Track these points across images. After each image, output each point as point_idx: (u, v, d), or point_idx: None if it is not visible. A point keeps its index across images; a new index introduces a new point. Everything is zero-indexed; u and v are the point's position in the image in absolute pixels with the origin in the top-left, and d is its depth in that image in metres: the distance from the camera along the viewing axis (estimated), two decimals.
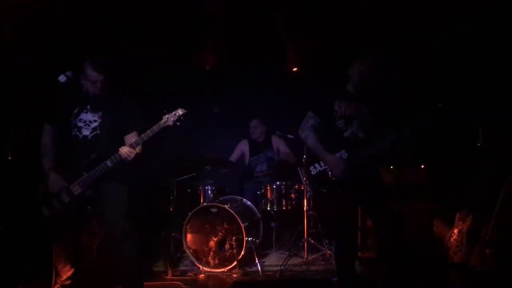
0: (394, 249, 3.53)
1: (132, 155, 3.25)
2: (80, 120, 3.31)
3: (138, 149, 3.32)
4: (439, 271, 4.20)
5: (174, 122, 3.28)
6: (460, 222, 4.18)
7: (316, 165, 3.52)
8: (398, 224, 3.92)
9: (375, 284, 3.80)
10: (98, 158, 3.22)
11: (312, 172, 3.55)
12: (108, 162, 3.21)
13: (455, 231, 4.19)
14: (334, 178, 3.44)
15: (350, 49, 4.97)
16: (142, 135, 3.27)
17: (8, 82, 4.20)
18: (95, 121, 3.32)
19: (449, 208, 4.40)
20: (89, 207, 3.34)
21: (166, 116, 3.28)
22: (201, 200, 4.86)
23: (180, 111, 3.30)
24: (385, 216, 3.49)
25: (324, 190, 3.60)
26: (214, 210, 4.54)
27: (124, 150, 3.22)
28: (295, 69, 5.94)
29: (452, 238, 4.20)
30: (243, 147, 5.68)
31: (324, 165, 3.51)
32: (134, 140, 3.27)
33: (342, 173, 3.35)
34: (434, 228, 4.50)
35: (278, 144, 5.57)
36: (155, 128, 3.27)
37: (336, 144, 3.45)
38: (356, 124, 3.42)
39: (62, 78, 3.21)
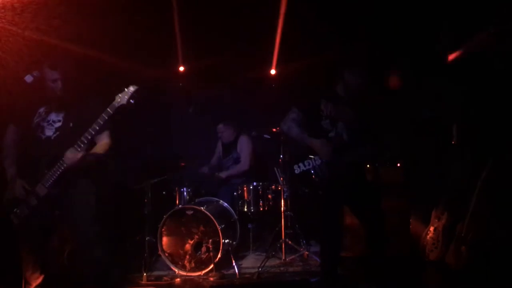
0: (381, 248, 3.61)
1: (76, 159, 3.08)
2: (43, 119, 3.21)
3: (99, 149, 3.22)
4: (415, 269, 4.21)
5: (128, 100, 3.15)
6: (436, 220, 4.20)
7: (300, 164, 3.52)
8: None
9: (356, 284, 3.80)
10: (58, 156, 3.10)
11: (296, 171, 3.54)
12: (64, 160, 3.09)
13: (431, 228, 4.21)
14: (316, 179, 3.47)
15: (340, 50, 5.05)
16: (94, 123, 3.10)
17: None
18: (59, 121, 3.22)
19: (425, 206, 4.43)
20: (57, 212, 3.22)
21: (119, 95, 3.16)
22: (177, 202, 4.77)
23: (132, 88, 3.19)
24: (375, 214, 3.55)
25: (307, 190, 3.73)
26: (190, 212, 4.45)
27: (68, 155, 3.07)
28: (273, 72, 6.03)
29: (428, 236, 4.21)
30: (218, 148, 5.64)
31: (308, 165, 3.51)
32: (83, 136, 3.11)
33: (330, 155, 3.37)
34: (410, 226, 4.52)
35: (242, 144, 5.42)
36: (109, 109, 3.12)
37: None
38: (341, 126, 3.45)
39: (28, 78, 3.13)
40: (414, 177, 4.67)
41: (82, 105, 3.29)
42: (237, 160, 5.42)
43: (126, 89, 3.17)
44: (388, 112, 3.86)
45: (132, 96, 3.17)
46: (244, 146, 5.39)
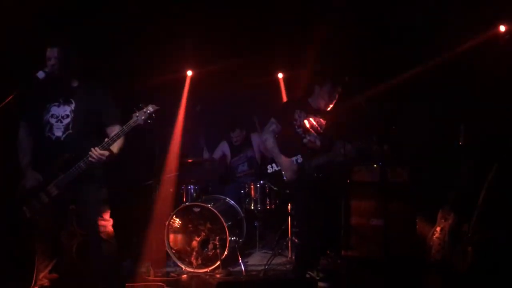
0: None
1: (104, 157, 3.11)
2: (52, 116, 3.20)
3: (115, 148, 3.21)
4: (421, 269, 4.22)
5: (145, 120, 3.10)
6: (443, 220, 4.20)
7: (273, 164, 3.88)
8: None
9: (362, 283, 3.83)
10: (72, 158, 3.11)
11: (268, 171, 3.96)
12: (81, 163, 3.11)
13: (438, 229, 4.22)
14: (285, 179, 3.79)
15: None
16: (112, 136, 3.13)
17: None
18: (67, 116, 3.21)
19: (432, 207, 4.43)
20: (72, 206, 3.26)
21: (136, 114, 3.10)
22: (184, 200, 4.80)
23: (151, 108, 3.12)
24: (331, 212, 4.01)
25: (275, 188, 4.13)
26: (197, 209, 4.49)
27: (95, 153, 3.07)
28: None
29: (434, 236, 4.22)
30: (224, 148, 5.67)
31: (278, 166, 3.87)
32: (105, 140, 3.13)
33: (291, 175, 3.69)
34: (417, 227, 4.52)
35: (258, 141, 5.52)
36: (125, 128, 3.10)
37: (295, 149, 3.78)
38: (313, 134, 3.79)
39: (40, 75, 3.12)
40: (420, 177, 4.67)
41: (89, 95, 3.28)
42: (251, 158, 5.47)
43: (144, 109, 3.11)
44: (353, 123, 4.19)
45: (150, 116, 3.11)
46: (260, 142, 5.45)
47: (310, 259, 3.87)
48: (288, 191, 3.95)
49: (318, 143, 3.78)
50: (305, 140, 3.75)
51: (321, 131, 3.83)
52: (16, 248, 3.75)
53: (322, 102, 3.83)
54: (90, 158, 3.07)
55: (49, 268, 3.41)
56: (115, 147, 3.21)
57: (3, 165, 3.78)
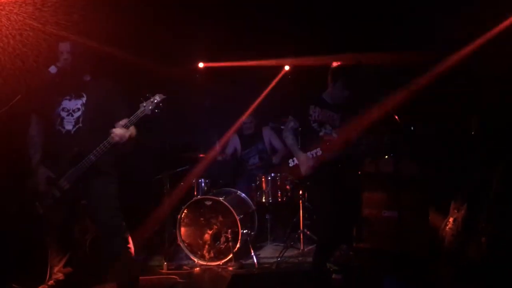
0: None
1: (127, 136, 3.10)
2: (63, 109, 3.22)
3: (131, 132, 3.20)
4: (434, 260, 4.20)
5: (152, 110, 3.09)
6: (455, 211, 4.18)
7: (294, 158, 3.92)
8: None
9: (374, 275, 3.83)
10: (82, 152, 3.12)
11: (290, 165, 3.95)
12: (91, 156, 3.12)
13: (450, 220, 4.19)
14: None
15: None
16: (125, 122, 3.11)
17: None
18: (78, 109, 3.22)
19: (444, 198, 4.40)
20: (83, 201, 3.27)
21: (144, 104, 3.10)
22: (195, 193, 4.81)
23: (158, 97, 3.10)
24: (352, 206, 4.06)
25: (297, 181, 4.32)
26: (208, 203, 4.50)
27: (118, 132, 3.05)
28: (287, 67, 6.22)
29: (447, 227, 4.19)
30: (235, 142, 5.67)
31: None
32: (124, 122, 3.11)
33: (306, 170, 3.75)
34: (429, 217, 4.50)
35: (270, 136, 5.55)
36: (133, 118, 3.10)
37: (313, 143, 3.81)
38: (329, 127, 3.86)
39: (53, 69, 3.14)
40: (433, 168, 4.64)
41: (100, 90, 3.28)
42: (262, 151, 5.46)
43: (152, 98, 3.10)
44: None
45: (157, 106, 3.10)
46: (272, 136, 5.54)
47: (329, 253, 3.92)
48: (308, 183, 4.09)
49: (334, 135, 3.86)
50: (321, 133, 3.84)
51: (337, 125, 3.89)
52: (30, 243, 3.77)
53: (336, 98, 3.90)
54: (112, 136, 3.06)
55: (63, 262, 3.44)
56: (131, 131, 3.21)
57: (15, 161, 3.80)
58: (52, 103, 3.26)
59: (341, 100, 3.89)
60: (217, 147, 5.48)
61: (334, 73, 3.86)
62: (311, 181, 3.94)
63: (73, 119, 3.21)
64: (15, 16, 3.59)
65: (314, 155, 3.79)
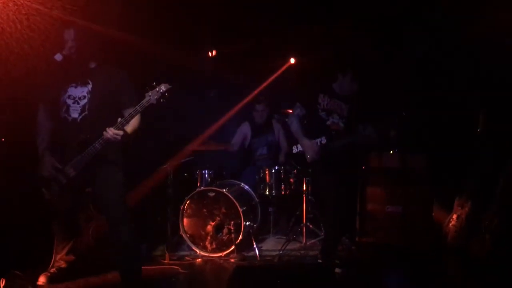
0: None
1: (119, 137, 3.07)
2: (69, 96, 3.20)
3: (129, 129, 3.17)
4: (437, 256, 4.20)
5: (158, 99, 3.06)
6: (459, 208, 4.17)
7: (298, 145, 4.02)
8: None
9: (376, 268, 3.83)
10: (88, 140, 3.11)
11: (293, 151, 4.10)
12: (96, 144, 3.10)
13: (454, 216, 4.18)
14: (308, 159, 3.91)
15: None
16: (126, 116, 3.10)
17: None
18: (84, 97, 3.20)
19: (448, 194, 4.39)
20: (88, 189, 3.27)
21: (149, 93, 3.07)
22: (198, 184, 4.79)
23: (163, 87, 3.07)
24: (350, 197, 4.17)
25: (299, 168, 4.36)
26: (211, 194, 4.49)
27: (110, 133, 3.04)
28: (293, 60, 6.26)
29: (450, 224, 4.19)
30: (245, 129, 5.57)
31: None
32: (119, 120, 3.09)
33: (312, 155, 3.82)
34: (433, 213, 4.49)
35: (279, 130, 5.50)
36: (139, 108, 3.07)
37: (319, 131, 3.91)
38: (337, 116, 3.94)
39: (58, 57, 3.13)
40: (438, 163, 4.62)
41: (105, 77, 3.26)
42: (271, 142, 5.43)
43: (157, 88, 3.07)
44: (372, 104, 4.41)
45: (163, 96, 3.07)
46: (280, 132, 5.49)
47: (336, 245, 3.98)
48: (310, 170, 4.16)
49: (341, 125, 3.93)
50: (328, 122, 3.90)
51: (345, 114, 3.96)
52: (34, 229, 3.77)
53: (345, 89, 3.96)
54: (104, 138, 3.05)
55: (66, 250, 3.46)
56: (129, 128, 3.17)
57: (21, 147, 3.80)
58: (58, 90, 3.24)
59: (349, 92, 3.95)
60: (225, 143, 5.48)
61: (343, 65, 3.92)
62: (314, 168, 3.99)
63: (79, 106, 3.19)
64: (21, 1, 3.56)
65: (319, 143, 3.85)
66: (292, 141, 4.21)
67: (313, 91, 4.01)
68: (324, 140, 3.86)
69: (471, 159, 4.39)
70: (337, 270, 3.70)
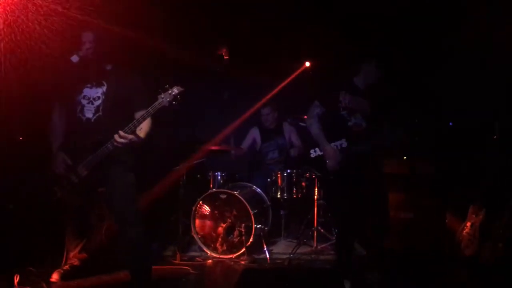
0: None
1: (128, 141, 3.08)
2: (84, 97, 3.24)
3: (142, 133, 3.21)
4: (450, 264, 4.15)
5: (170, 102, 3.07)
6: (473, 216, 4.12)
7: (317, 149, 3.67)
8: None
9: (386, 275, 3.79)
10: (101, 140, 3.14)
11: (312, 155, 3.72)
12: (109, 145, 3.13)
13: (468, 224, 4.14)
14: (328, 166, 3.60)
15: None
16: (138, 118, 3.11)
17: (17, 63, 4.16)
18: (99, 98, 3.24)
19: (462, 201, 4.34)
20: (101, 189, 3.30)
21: (162, 96, 3.08)
22: (211, 186, 4.82)
23: (176, 90, 3.08)
24: (376, 204, 3.61)
25: (319, 174, 3.98)
26: (223, 196, 4.50)
27: (119, 139, 3.05)
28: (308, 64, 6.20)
29: (464, 231, 4.14)
30: (254, 134, 5.59)
31: (321, 151, 3.66)
32: (128, 125, 3.11)
33: (334, 164, 3.51)
34: (447, 221, 4.44)
35: (290, 132, 5.48)
36: (151, 110, 3.09)
37: (340, 132, 3.59)
38: (359, 116, 3.58)
39: (74, 59, 3.18)
40: (452, 171, 4.58)
41: (120, 79, 3.30)
42: (282, 146, 5.42)
43: (170, 90, 3.08)
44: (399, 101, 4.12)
45: (175, 98, 3.08)
46: (292, 133, 5.46)
47: (350, 243, 3.73)
48: (332, 177, 3.68)
49: (364, 125, 3.57)
50: (350, 123, 3.57)
51: (367, 113, 3.59)
52: (47, 227, 3.83)
53: (371, 76, 3.61)
54: (114, 142, 3.07)
55: (79, 248, 3.51)
56: (141, 132, 3.21)
57: (39, 146, 3.86)
58: (73, 90, 3.29)
59: (375, 80, 3.60)
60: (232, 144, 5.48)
61: (367, 54, 3.65)
62: (334, 177, 3.61)
63: (93, 107, 3.24)
64: (40, 1, 3.62)
65: (339, 146, 3.55)
66: (309, 144, 3.84)
67: (334, 88, 3.64)
68: (344, 144, 3.56)
69: (486, 166, 4.34)
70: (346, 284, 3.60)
